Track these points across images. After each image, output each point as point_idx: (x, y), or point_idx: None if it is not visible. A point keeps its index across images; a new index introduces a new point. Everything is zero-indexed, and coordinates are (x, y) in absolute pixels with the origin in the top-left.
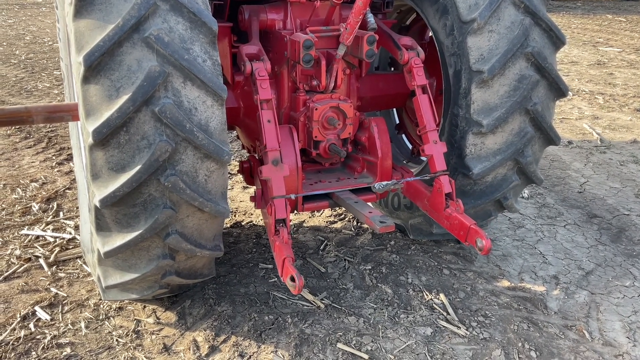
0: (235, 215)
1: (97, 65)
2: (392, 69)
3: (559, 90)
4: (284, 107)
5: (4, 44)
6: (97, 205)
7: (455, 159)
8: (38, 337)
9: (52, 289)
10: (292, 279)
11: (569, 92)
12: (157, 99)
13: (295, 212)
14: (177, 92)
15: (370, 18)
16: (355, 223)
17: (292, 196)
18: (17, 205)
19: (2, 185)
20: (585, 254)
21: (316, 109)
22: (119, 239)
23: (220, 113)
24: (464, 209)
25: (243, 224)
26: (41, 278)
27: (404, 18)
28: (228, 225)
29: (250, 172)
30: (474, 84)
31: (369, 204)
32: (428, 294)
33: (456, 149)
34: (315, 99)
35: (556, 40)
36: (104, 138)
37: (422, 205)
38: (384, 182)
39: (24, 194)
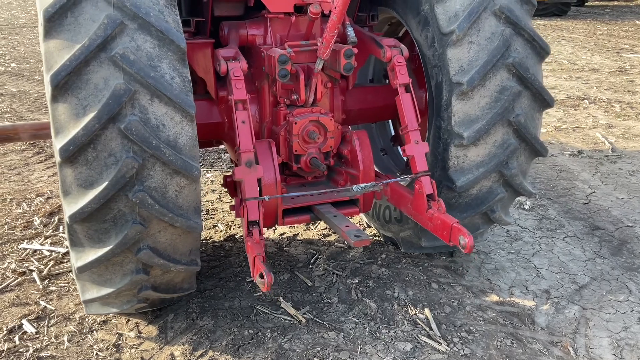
0: (230, 229)
1: (64, 84)
2: (387, 81)
3: (543, 101)
4: (265, 121)
5: (31, 60)
6: (67, 221)
7: (439, 171)
8: (21, 350)
9: (41, 302)
10: (262, 276)
11: (585, 100)
12: (123, 116)
13: (276, 226)
14: (144, 109)
15: (350, 31)
16: None
17: (266, 198)
18: (20, 220)
19: (8, 200)
20: (581, 268)
21: (296, 123)
22: (92, 254)
23: (189, 129)
24: (445, 209)
25: (237, 237)
26: (32, 291)
27: (396, 30)
28: (222, 239)
29: (234, 185)
30: (454, 96)
31: (366, 214)
32: (413, 308)
33: (440, 161)
34: (296, 113)
35: (540, 50)
36: (71, 155)
37: (406, 210)
38: (362, 185)
39: (28, 209)
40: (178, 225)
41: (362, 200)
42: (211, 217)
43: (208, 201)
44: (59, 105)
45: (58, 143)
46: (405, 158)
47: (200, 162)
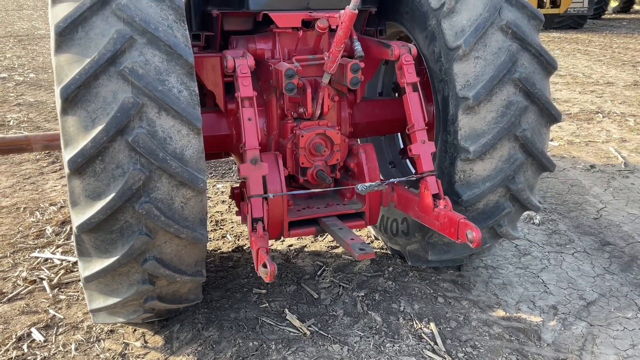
0: (238, 240)
1: (73, 98)
2: (397, 94)
3: (550, 116)
4: (273, 133)
5: (49, 71)
6: (75, 231)
7: (445, 185)
8: (29, 358)
9: (50, 310)
10: (265, 266)
11: (599, 114)
12: (131, 129)
13: (282, 238)
14: (152, 122)
15: (357, 46)
16: None
17: (271, 195)
18: (32, 228)
19: (22, 209)
20: (589, 284)
21: (302, 136)
22: (98, 264)
23: (196, 142)
24: (452, 206)
25: (245, 248)
26: (42, 300)
27: None
28: (230, 250)
29: (241, 196)
30: (460, 110)
31: (374, 227)
32: (418, 322)
33: (446, 175)
34: (302, 126)
35: (547, 65)
36: (79, 167)
37: (413, 214)
38: (367, 184)
39: (41, 217)
40: (184, 236)
41: (368, 213)
42: (220, 228)
43: (217, 212)
44: (69, 118)
45: (67, 155)
46: (413, 171)
47: (207, 175)
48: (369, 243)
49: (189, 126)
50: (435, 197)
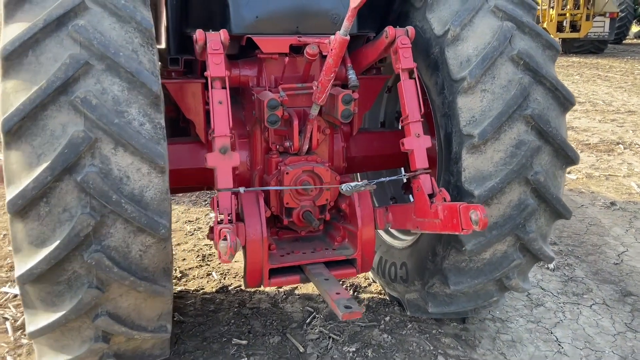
0: (225, 278)
1: (16, 130)
2: (401, 127)
3: (567, 157)
4: (256, 168)
5: None
6: (16, 281)
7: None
8: None
9: (8, 357)
10: (225, 239)
11: (620, 145)
12: (81, 167)
13: (262, 287)
14: (106, 159)
15: (352, 75)
16: (351, 292)
17: (242, 189)
18: (8, 259)
19: (2, 236)
20: (609, 343)
21: (287, 173)
22: (44, 319)
23: (159, 181)
24: (450, 198)
25: (230, 288)
26: (2, 344)
27: None
28: (214, 290)
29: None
30: (464, 149)
31: (371, 270)
32: None
33: None
34: (288, 161)
35: (564, 100)
36: (20, 210)
37: (412, 224)
38: (353, 184)
39: None
40: (141, 289)
41: (360, 259)
42: (207, 264)
43: (206, 245)
44: (12, 153)
45: (8, 195)
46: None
47: (170, 219)
48: (364, 286)
49: (150, 164)
50: (431, 197)
